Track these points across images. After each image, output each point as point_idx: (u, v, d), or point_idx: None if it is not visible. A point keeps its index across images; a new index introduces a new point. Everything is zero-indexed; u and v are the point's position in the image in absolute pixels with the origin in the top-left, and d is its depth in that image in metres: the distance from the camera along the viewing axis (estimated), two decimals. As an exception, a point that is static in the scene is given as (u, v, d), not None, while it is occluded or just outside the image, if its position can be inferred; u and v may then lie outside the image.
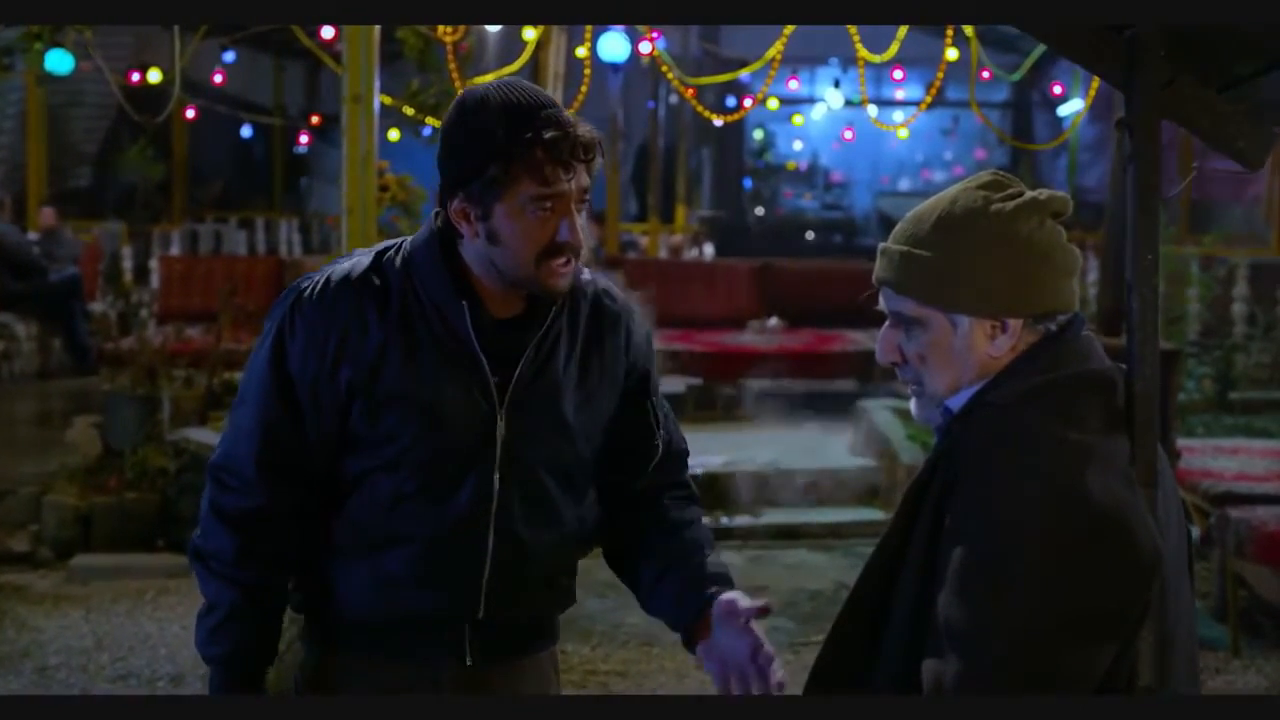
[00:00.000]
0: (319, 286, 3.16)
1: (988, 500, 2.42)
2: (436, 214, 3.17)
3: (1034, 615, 2.33)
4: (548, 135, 2.96)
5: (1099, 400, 2.51)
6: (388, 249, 3.24)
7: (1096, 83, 16.64)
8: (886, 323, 2.66)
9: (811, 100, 28.85)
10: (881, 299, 2.66)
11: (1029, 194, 2.57)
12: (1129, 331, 2.57)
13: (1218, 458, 9.74)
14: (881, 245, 2.66)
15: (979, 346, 2.55)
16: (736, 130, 31.01)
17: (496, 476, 3.16)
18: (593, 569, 3.52)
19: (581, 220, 3.06)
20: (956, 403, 2.60)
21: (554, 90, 12.71)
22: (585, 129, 3.01)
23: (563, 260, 3.05)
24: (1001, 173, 2.65)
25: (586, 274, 3.30)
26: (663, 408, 3.47)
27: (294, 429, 3.16)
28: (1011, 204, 2.55)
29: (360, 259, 3.22)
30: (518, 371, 3.14)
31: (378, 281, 3.16)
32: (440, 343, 3.12)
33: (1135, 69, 2.53)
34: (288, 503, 3.20)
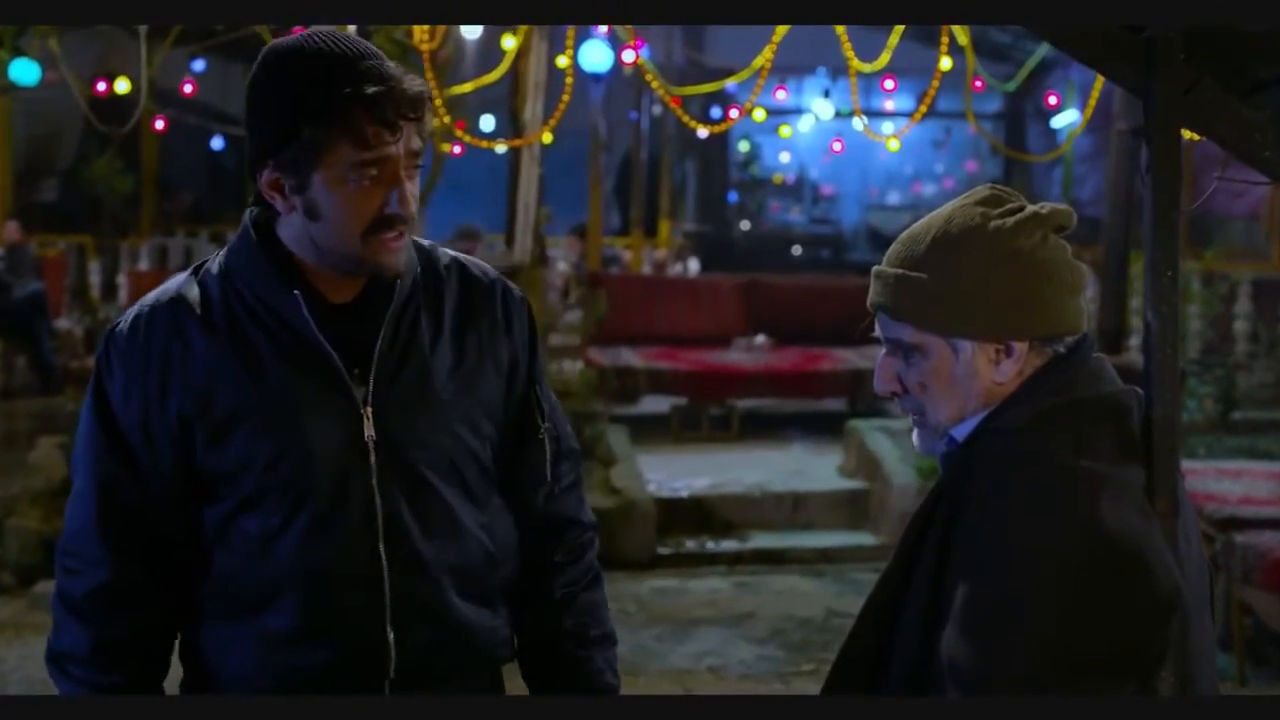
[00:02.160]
0: (132, 317, 2.86)
1: (994, 533, 2.34)
2: (253, 201, 2.85)
3: (1043, 655, 2.26)
4: (368, 91, 2.65)
5: (1112, 426, 2.44)
6: (205, 261, 2.94)
7: (1096, 94, 16.62)
8: (883, 350, 2.59)
9: (799, 111, 28.82)
10: (877, 325, 2.58)
11: (1029, 208, 2.50)
12: (1146, 352, 2.50)
13: (1221, 480, 9.70)
14: (875, 268, 2.58)
15: (983, 372, 2.48)
16: (721, 142, 30.99)
17: (375, 485, 2.81)
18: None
19: (413, 188, 2.76)
20: (961, 432, 2.53)
21: (534, 100, 12.67)
22: (412, 81, 2.72)
23: (393, 234, 2.75)
24: (1000, 187, 2.58)
25: (448, 253, 3.06)
26: (549, 400, 3.14)
27: (132, 482, 2.83)
28: (1011, 220, 2.48)
29: (175, 278, 2.92)
30: (375, 359, 2.82)
31: (196, 294, 2.85)
32: (279, 343, 2.80)
33: (1154, 73, 2.46)
34: (141, 577, 2.85)
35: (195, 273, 2.91)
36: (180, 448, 2.81)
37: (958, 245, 2.47)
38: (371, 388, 2.82)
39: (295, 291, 2.78)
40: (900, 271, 2.52)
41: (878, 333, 2.58)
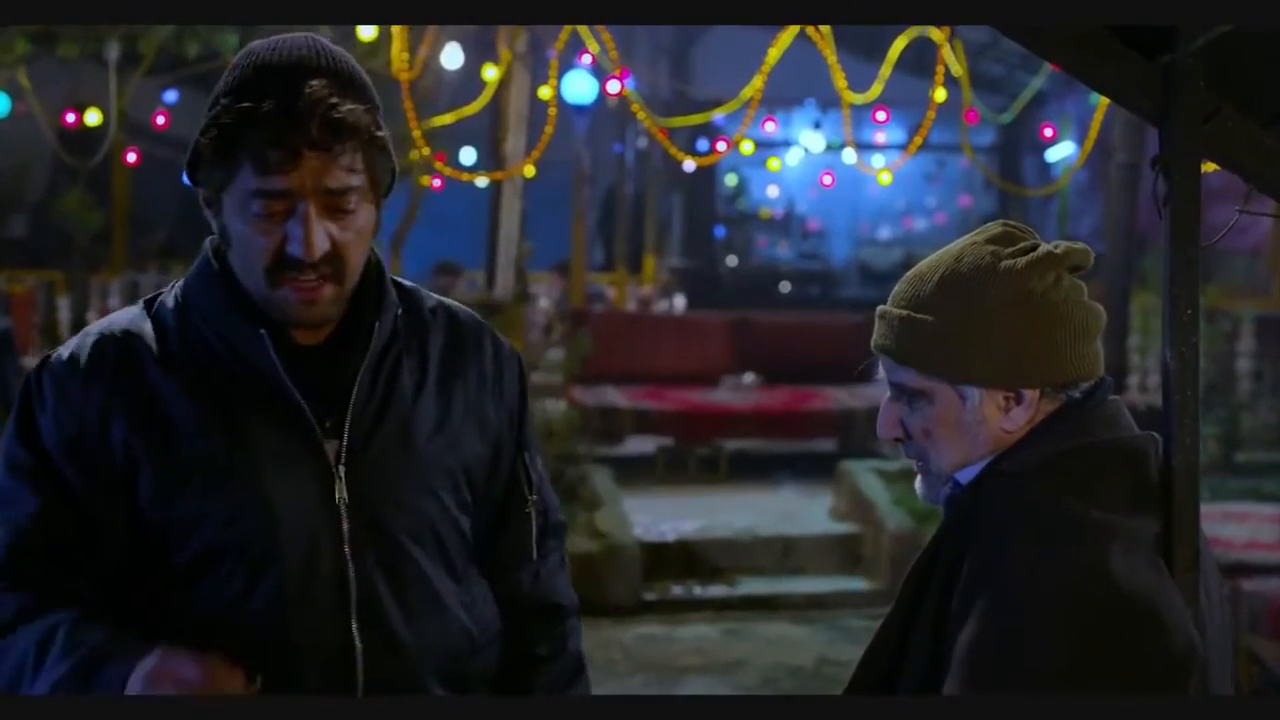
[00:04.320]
0: (73, 346, 2.60)
1: (998, 582, 2.27)
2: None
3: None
4: (267, 108, 2.40)
5: (1127, 474, 2.36)
6: (158, 294, 2.70)
7: (1096, 126, 16.58)
8: (886, 395, 2.51)
9: (788, 144, 28.81)
10: (881, 369, 2.51)
11: (1043, 247, 2.42)
12: (1165, 395, 2.42)
13: (1226, 524, 9.66)
14: (880, 309, 2.51)
15: (991, 420, 2.40)
16: (708, 176, 30.97)
17: (348, 554, 2.54)
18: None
19: (336, 229, 2.48)
20: (966, 476, 2.46)
21: (516, 132, 12.60)
22: (337, 106, 2.43)
23: (300, 278, 2.47)
24: (1012, 223, 2.51)
25: (434, 296, 2.83)
26: (537, 469, 2.89)
27: (52, 522, 2.50)
28: (1024, 259, 2.40)
29: (123, 311, 2.67)
30: (350, 411, 2.57)
31: (149, 329, 2.59)
32: (242, 388, 2.53)
33: (1173, 101, 2.40)
34: (61, 594, 2.50)
35: (148, 306, 2.67)
36: (121, 489, 2.53)
37: (966, 286, 2.40)
38: (345, 444, 2.57)
39: (261, 331, 2.52)
40: (905, 313, 2.44)
41: (881, 376, 2.50)
